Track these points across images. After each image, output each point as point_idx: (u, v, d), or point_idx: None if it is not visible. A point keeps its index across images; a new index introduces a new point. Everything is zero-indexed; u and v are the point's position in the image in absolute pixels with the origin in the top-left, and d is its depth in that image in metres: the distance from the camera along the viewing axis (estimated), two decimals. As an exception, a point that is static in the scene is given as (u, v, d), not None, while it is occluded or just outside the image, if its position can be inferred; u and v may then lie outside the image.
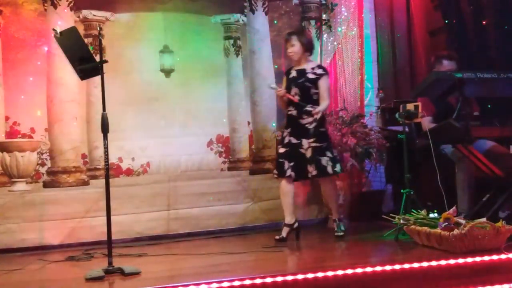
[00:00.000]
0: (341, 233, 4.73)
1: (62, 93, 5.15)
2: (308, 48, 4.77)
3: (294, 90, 4.69)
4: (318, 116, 4.54)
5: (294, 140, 4.66)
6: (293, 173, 4.65)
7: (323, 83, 4.70)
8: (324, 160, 4.62)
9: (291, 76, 4.76)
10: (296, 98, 4.65)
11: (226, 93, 5.82)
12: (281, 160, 4.68)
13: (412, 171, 4.58)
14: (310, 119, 4.61)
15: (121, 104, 5.20)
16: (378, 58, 6.25)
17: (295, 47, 4.72)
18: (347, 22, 5.97)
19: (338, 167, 4.70)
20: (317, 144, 4.62)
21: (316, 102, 4.66)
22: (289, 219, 4.67)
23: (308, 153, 4.62)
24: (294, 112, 4.69)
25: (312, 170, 4.62)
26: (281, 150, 4.72)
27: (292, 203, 4.71)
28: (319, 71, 4.73)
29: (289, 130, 4.72)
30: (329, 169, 4.63)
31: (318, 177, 4.72)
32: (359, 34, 6.04)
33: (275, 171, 4.75)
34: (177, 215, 5.12)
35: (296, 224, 4.70)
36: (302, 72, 4.73)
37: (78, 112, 5.25)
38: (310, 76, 4.69)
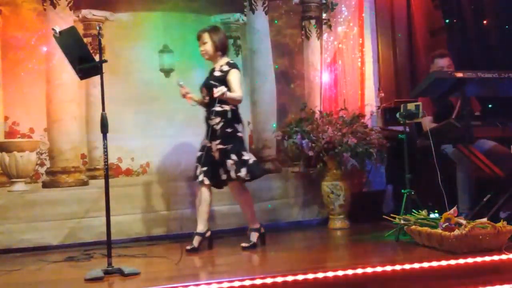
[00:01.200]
0: (248, 244, 4.40)
1: (62, 93, 5.13)
2: (219, 47, 4.52)
3: (204, 90, 4.51)
4: (217, 95, 4.21)
5: (208, 144, 4.45)
6: (206, 179, 4.40)
7: (231, 77, 4.42)
8: (229, 164, 4.36)
9: (206, 76, 4.59)
10: (190, 96, 4.50)
11: (226, 93, 5.81)
12: (196, 164, 4.50)
13: (413, 171, 4.58)
14: (218, 119, 4.40)
15: (120, 104, 5.19)
16: (379, 58, 6.25)
17: (206, 45, 4.49)
18: (347, 21, 5.97)
19: (242, 172, 4.35)
20: (222, 146, 4.38)
21: (225, 102, 4.40)
22: (201, 227, 4.42)
23: (216, 156, 4.41)
24: (205, 113, 4.51)
25: (222, 173, 4.39)
26: (198, 154, 4.50)
27: (207, 211, 4.45)
28: (225, 67, 4.46)
29: (205, 133, 4.53)
30: (232, 174, 4.34)
31: (228, 181, 4.42)
32: (360, 34, 6.05)
33: (192, 175, 4.54)
34: (177, 215, 5.11)
35: (208, 233, 4.47)
36: (212, 71, 4.55)
37: (78, 112, 5.23)
38: (217, 74, 4.47)
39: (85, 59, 3.92)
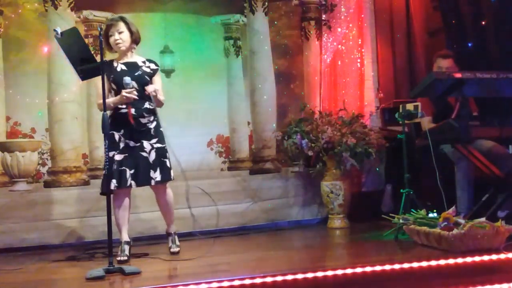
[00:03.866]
0: (178, 249, 4.29)
1: (63, 93, 5.16)
2: (136, 39, 4.24)
3: (132, 85, 4.12)
4: (152, 92, 4.06)
5: (132, 143, 4.14)
6: (133, 182, 4.11)
7: (158, 79, 4.30)
8: (168, 163, 4.17)
9: (118, 69, 4.17)
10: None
11: (226, 93, 5.85)
12: (122, 168, 4.07)
13: (412, 171, 4.60)
14: (151, 118, 4.19)
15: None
16: (378, 58, 6.27)
17: (123, 35, 4.15)
18: (346, 22, 5.99)
19: (172, 173, 4.21)
20: (160, 145, 4.18)
21: (151, 99, 4.19)
22: (127, 236, 4.20)
23: (152, 156, 4.14)
24: (132, 110, 4.12)
25: (156, 175, 4.12)
26: (119, 156, 4.09)
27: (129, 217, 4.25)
28: (153, 65, 4.27)
29: (122, 132, 4.14)
30: (167, 174, 4.16)
31: (161, 183, 4.16)
32: (359, 34, 6.07)
33: (114, 182, 4.00)
34: (177, 215, 5.11)
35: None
36: (134, 66, 4.21)
37: (79, 112, 5.26)
38: (146, 70, 4.23)
39: (86, 60, 3.94)
